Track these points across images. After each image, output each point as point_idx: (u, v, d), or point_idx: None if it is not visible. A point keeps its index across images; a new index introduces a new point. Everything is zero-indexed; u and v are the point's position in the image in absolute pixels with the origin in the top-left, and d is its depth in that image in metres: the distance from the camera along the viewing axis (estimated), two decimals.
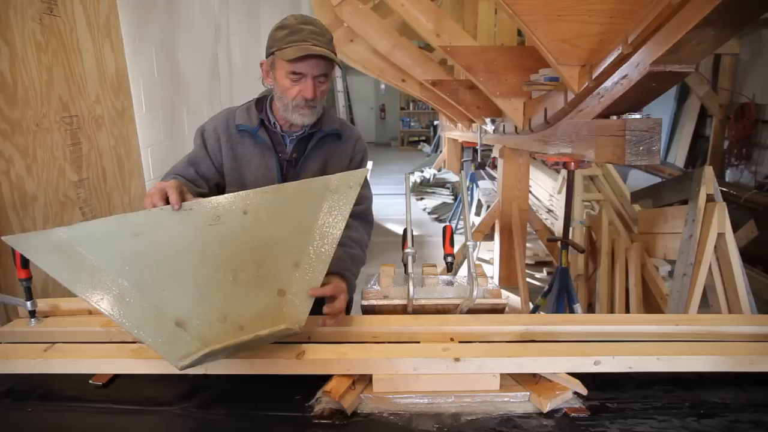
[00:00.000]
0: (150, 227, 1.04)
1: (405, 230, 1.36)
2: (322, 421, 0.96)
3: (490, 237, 4.43)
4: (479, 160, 5.89)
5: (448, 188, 7.55)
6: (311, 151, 1.50)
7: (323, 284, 1.16)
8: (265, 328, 1.04)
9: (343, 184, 1.16)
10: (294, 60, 1.32)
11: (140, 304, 0.99)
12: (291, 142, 1.50)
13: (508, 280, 4.12)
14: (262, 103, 1.50)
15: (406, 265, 1.34)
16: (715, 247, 2.55)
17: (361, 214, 1.52)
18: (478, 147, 4.59)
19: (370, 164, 1.86)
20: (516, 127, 3.12)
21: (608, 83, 1.89)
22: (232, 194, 1.11)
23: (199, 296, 1.04)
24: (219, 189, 1.50)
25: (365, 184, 1.53)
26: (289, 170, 1.50)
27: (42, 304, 1.31)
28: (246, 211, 1.09)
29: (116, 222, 1.03)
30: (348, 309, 1.65)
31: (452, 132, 6.88)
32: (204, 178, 1.45)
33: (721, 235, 2.54)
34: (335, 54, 1.38)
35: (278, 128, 1.48)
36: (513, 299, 3.66)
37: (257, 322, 1.05)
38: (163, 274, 1.02)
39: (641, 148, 1.82)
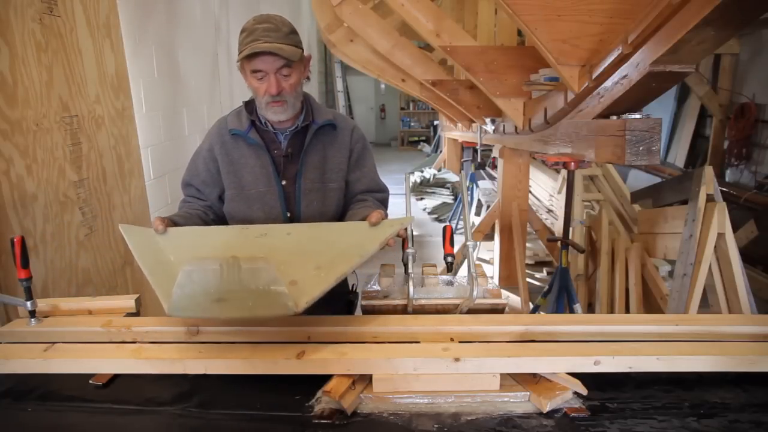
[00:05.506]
0: (215, 233, 1.35)
1: (405, 230, 1.36)
2: (322, 421, 0.96)
3: (490, 237, 4.43)
4: (479, 160, 5.89)
5: (448, 188, 7.56)
6: (309, 145, 1.50)
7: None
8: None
9: (385, 225, 1.32)
10: (248, 61, 1.35)
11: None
12: (285, 138, 1.51)
13: (508, 280, 4.12)
14: (252, 104, 1.52)
15: (406, 265, 1.34)
16: (715, 247, 2.55)
17: (384, 201, 1.63)
18: (478, 147, 4.58)
19: None
20: (516, 127, 3.11)
21: (608, 83, 1.89)
22: (283, 224, 1.37)
23: None
24: (220, 194, 1.59)
25: (376, 175, 1.65)
26: (286, 165, 1.52)
27: (42, 304, 1.31)
28: (290, 233, 1.32)
29: (195, 227, 1.38)
30: (349, 309, 1.66)
31: (452, 132, 6.87)
32: (203, 191, 1.59)
33: (721, 235, 2.53)
34: (297, 45, 1.39)
35: (269, 126, 1.50)
36: (513, 299, 3.66)
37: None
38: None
39: (641, 148, 1.82)
